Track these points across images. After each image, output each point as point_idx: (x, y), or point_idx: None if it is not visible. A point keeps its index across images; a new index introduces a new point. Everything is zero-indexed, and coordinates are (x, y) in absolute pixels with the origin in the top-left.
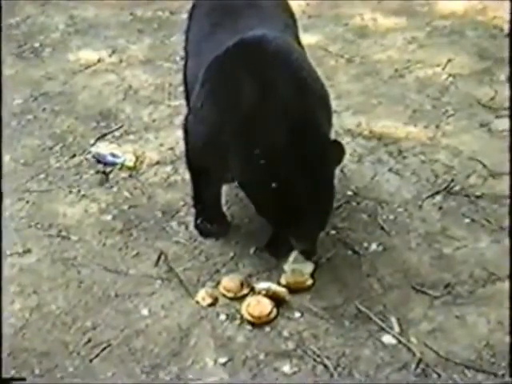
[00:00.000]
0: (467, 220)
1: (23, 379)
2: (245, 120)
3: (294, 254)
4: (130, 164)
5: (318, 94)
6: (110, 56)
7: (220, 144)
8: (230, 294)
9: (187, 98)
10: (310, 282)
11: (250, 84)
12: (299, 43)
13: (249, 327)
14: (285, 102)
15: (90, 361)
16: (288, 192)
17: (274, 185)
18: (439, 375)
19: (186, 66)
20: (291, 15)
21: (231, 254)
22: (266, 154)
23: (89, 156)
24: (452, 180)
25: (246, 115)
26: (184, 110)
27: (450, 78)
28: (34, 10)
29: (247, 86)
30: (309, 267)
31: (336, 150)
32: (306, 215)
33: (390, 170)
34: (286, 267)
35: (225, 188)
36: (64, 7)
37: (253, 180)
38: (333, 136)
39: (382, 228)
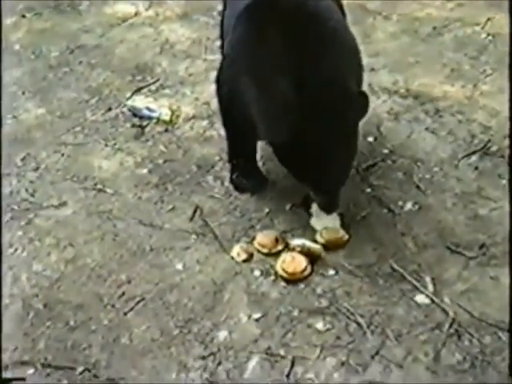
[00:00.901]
0: (503, 181)
1: (23, 379)
2: (267, 71)
3: (314, 208)
4: (166, 118)
5: (344, 46)
6: (147, 10)
7: (246, 94)
8: (265, 250)
9: (223, 50)
10: (346, 237)
11: (274, 33)
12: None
13: (283, 283)
14: (308, 52)
15: (125, 314)
16: (305, 142)
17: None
18: (472, 336)
19: (222, 17)
20: None
21: (266, 210)
22: (284, 103)
23: (125, 109)
24: (489, 140)
25: (268, 66)
26: None
27: (489, 37)
28: None
29: (271, 36)
30: (336, 221)
31: (360, 101)
32: (322, 166)
33: (427, 128)
34: (313, 222)
35: (260, 143)
36: None
37: (269, 130)
38: (369, 93)
39: (418, 187)
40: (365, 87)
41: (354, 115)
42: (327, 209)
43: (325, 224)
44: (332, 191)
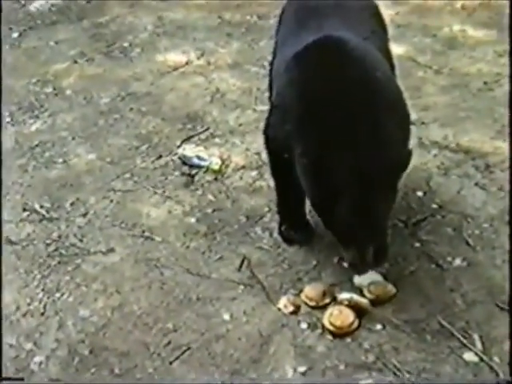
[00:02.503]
0: None
1: (22, 379)
2: (308, 124)
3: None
4: (216, 167)
5: (388, 101)
6: (198, 58)
7: (291, 143)
8: (312, 303)
9: (271, 99)
10: (393, 291)
11: (320, 83)
12: (387, 51)
13: (330, 337)
14: (351, 105)
15: (170, 363)
16: (339, 199)
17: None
18: None
19: (271, 66)
20: (381, 23)
21: (314, 263)
22: (320, 156)
23: (174, 157)
24: None
25: (310, 120)
26: None
27: None
28: (122, 10)
29: (317, 85)
30: (378, 276)
31: (402, 158)
32: (352, 225)
33: (477, 184)
34: (356, 281)
35: None
36: (153, 8)
37: (303, 176)
38: (419, 147)
39: (467, 243)
40: (415, 141)
41: (387, 176)
42: (354, 267)
43: (369, 279)
44: (357, 249)
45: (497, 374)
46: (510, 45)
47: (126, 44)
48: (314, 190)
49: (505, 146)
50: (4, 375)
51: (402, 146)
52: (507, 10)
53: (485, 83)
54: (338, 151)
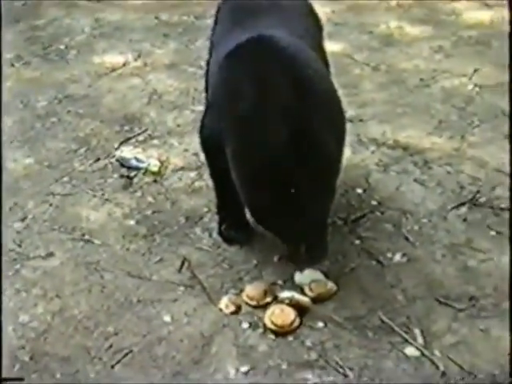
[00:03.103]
0: (492, 232)
1: (22, 379)
2: (239, 124)
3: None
4: (155, 169)
5: (320, 98)
6: (135, 60)
7: (226, 143)
8: (253, 302)
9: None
10: (334, 289)
11: (251, 82)
12: (322, 50)
13: (272, 336)
14: (281, 103)
15: (112, 367)
16: (271, 198)
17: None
18: None
19: (208, 66)
20: (316, 21)
21: (255, 262)
22: (253, 158)
23: (113, 160)
24: (477, 191)
25: (240, 120)
26: None
27: (476, 89)
28: (59, 12)
29: (248, 84)
30: (319, 274)
31: (334, 158)
32: (283, 223)
33: (415, 180)
34: (297, 279)
35: None
36: (90, 10)
37: (238, 175)
38: (357, 144)
39: (407, 238)
40: (353, 138)
41: (327, 171)
42: (290, 257)
43: (310, 277)
44: (291, 241)
45: (437, 368)
46: (510, 52)
47: (62, 46)
48: (246, 190)
49: (441, 141)
50: None
51: (335, 144)
52: (442, 6)
53: (421, 79)
54: (268, 151)
